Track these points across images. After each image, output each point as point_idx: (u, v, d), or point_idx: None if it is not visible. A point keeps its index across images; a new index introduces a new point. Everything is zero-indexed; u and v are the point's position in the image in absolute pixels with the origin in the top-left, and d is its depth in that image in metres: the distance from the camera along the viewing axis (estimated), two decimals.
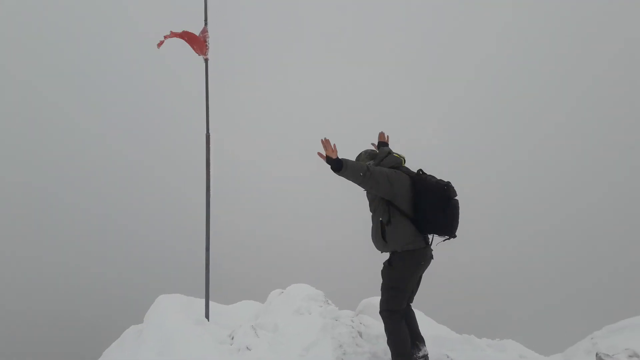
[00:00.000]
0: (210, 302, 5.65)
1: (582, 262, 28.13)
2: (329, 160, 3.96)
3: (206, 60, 5.54)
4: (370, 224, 4.56)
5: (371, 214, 4.46)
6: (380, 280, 4.51)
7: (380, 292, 4.38)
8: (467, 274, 27.01)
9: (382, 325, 5.20)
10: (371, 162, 4.38)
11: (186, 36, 5.36)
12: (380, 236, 4.22)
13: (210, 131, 5.37)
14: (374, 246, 4.49)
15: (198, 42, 5.41)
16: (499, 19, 41.47)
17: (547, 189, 33.26)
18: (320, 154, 4.03)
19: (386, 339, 4.38)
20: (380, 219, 4.23)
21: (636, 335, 5.81)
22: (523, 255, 29.52)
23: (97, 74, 37.75)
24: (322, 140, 3.94)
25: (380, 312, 4.32)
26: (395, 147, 4.87)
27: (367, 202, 4.64)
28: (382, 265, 4.40)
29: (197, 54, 5.46)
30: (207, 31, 5.55)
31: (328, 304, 5.75)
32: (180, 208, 29.40)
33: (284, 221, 32.28)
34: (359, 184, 4.12)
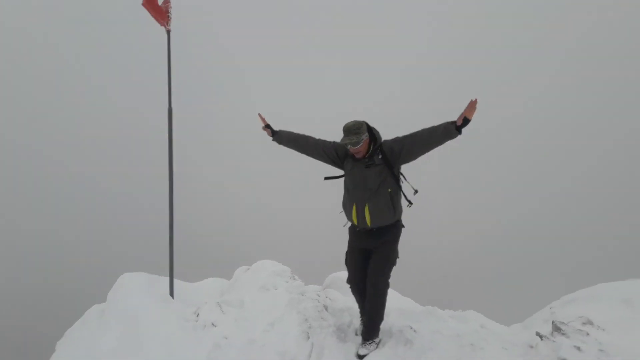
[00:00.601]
0: (175, 280, 5.58)
1: (542, 239, 29.26)
2: (465, 120, 3.79)
3: (168, 32, 5.36)
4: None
5: (369, 190, 4.20)
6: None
7: (375, 268, 4.33)
8: (434, 250, 27.72)
9: (346, 298, 5.26)
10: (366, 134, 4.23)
11: (149, 4, 5.15)
12: (392, 207, 4.20)
13: (172, 105, 5.22)
14: (356, 221, 4.32)
15: (160, 12, 5.21)
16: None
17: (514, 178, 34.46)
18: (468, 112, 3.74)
19: (373, 312, 4.37)
20: (390, 190, 4.18)
21: (590, 304, 6.06)
22: (488, 233, 30.48)
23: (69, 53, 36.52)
24: (473, 100, 3.74)
25: (384, 288, 4.33)
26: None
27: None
28: (384, 243, 4.32)
29: (159, 25, 5.27)
30: (169, 1, 5.36)
31: (294, 279, 5.77)
32: (144, 186, 28.90)
33: (251, 199, 32.23)
34: (432, 150, 4.09)
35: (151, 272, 6.06)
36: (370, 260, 4.38)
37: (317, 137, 4.60)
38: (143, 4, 5.09)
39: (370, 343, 4.38)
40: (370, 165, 4.17)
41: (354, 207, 4.26)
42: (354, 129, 4.11)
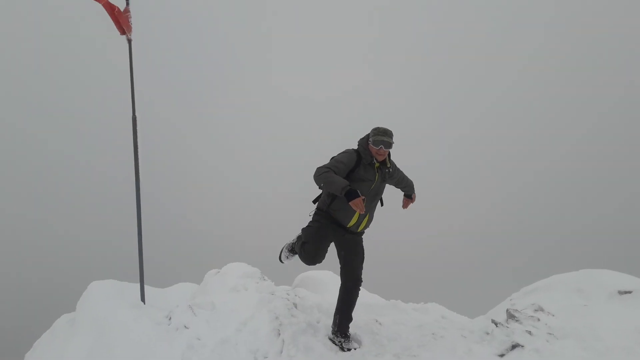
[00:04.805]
0: (146, 286, 5.63)
1: (509, 237, 30.35)
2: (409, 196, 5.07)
3: (129, 41, 5.42)
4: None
5: (377, 202, 4.56)
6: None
7: (360, 264, 4.60)
8: (401, 247, 28.29)
9: (316, 296, 5.45)
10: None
11: (115, 10, 5.17)
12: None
13: (136, 113, 5.29)
14: (351, 224, 4.40)
15: (123, 20, 5.26)
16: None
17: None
18: None
19: (352, 305, 4.61)
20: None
21: (544, 293, 6.47)
22: (459, 229, 31.36)
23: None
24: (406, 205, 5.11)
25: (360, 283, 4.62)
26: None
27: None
28: (360, 242, 4.62)
29: (119, 34, 5.31)
30: (129, 11, 5.42)
31: (264, 280, 5.91)
32: (111, 194, 28.35)
33: (219, 204, 32.08)
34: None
35: (121, 280, 6.09)
36: (350, 255, 4.51)
37: (335, 165, 4.23)
38: (110, 12, 5.10)
39: (349, 338, 4.57)
40: (384, 181, 4.48)
41: (357, 213, 4.27)
42: (390, 133, 4.34)
